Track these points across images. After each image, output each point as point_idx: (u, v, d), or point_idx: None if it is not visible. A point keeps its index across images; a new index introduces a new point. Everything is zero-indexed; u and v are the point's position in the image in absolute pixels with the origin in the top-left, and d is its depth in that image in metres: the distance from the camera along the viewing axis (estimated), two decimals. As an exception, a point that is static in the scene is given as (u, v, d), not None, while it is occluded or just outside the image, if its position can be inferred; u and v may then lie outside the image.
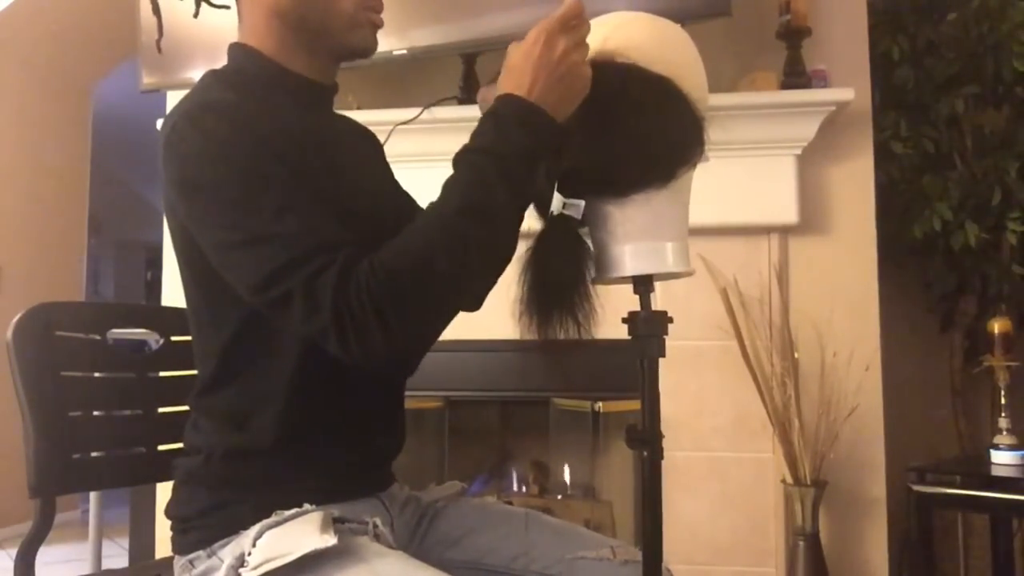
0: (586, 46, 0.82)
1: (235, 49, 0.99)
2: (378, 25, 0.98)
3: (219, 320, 0.92)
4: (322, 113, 1.03)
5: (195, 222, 0.86)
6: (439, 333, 0.83)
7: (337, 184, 0.91)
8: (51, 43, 3.92)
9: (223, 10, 1.01)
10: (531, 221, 0.87)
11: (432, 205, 0.81)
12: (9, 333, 1.13)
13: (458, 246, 0.78)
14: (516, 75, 0.82)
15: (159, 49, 1.18)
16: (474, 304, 1.03)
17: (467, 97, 2.16)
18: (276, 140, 0.85)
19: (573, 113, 0.83)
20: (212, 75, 0.95)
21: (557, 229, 0.85)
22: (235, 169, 0.82)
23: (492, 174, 0.79)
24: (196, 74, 2.33)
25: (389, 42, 2.15)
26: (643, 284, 0.85)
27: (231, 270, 0.84)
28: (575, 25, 0.81)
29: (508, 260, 0.86)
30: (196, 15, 1.04)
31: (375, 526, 0.91)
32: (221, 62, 0.99)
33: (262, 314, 0.87)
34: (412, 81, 2.19)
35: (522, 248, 0.87)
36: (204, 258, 0.87)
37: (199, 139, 0.84)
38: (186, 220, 0.87)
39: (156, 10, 1.16)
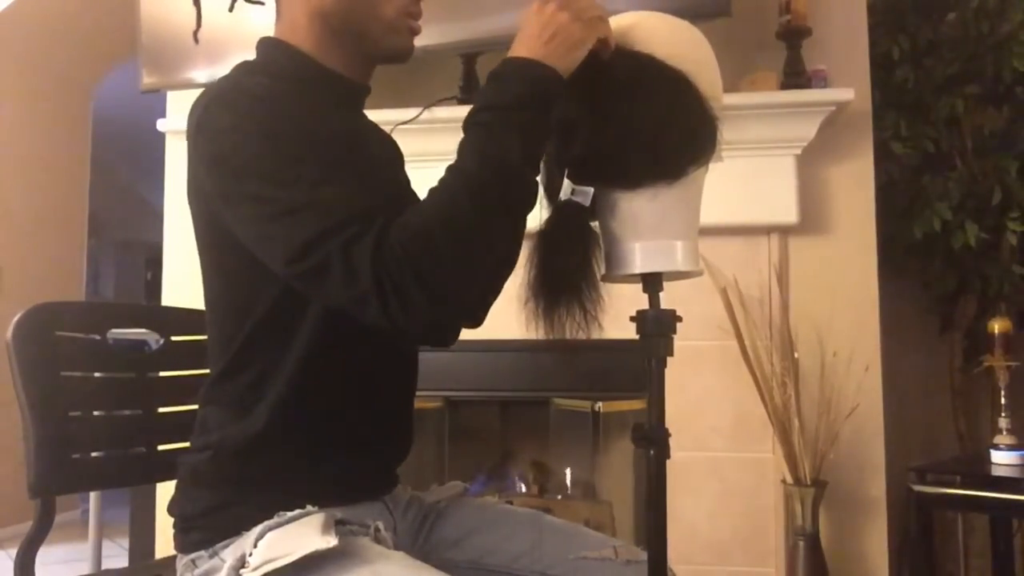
0: (573, 9, 0.83)
1: (266, 43, 1.00)
2: (416, 32, 1.00)
3: (241, 309, 0.92)
4: (353, 111, 1.04)
5: (225, 199, 0.85)
6: (477, 292, 0.83)
7: (364, 175, 0.90)
8: (51, 43, 3.91)
9: (259, 6, 1.01)
10: (539, 207, 0.88)
11: (450, 167, 0.81)
12: (9, 333, 1.13)
13: (480, 196, 0.78)
14: (515, 47, 0.85)
15: (196, 40, 1.19)
16: (480, 310, 1.04)
17: (467, 97, 2.16)
18: (308, 121, 0.86)
19: (587, 100, 0.83)
20: (243, 64, 0.96)
21: (565, 215, 0.85)
22: (270, 144, 0.82)
23: (499, 126, 0.81)
24: (196, 74, 2.33)
25: (389, 42, 2.15)
26: (653, 282, 0.85)
27: (265, 243, 0.83)
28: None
29: (527, 210, 0.86)
30: (231, 9, 1.05)
31: (377, 529, 0.91)
32: (222, 62, 1.00)
33: (282, 304, 0.88)
34: (412, 81, 2.19)
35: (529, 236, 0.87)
36: (230, 244, 0.87)
37: (233, 117, 0.85)
38: (215, 199, 0.87)
39: (197, 1, 1.16)
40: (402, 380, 1.05)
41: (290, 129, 0.84)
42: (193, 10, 1.05)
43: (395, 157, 1.12)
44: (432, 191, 0.80)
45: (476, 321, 1.06)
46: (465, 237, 0.78)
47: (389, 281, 0.75)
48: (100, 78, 4.34)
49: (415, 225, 0.77)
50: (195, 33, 1.17)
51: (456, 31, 2.11)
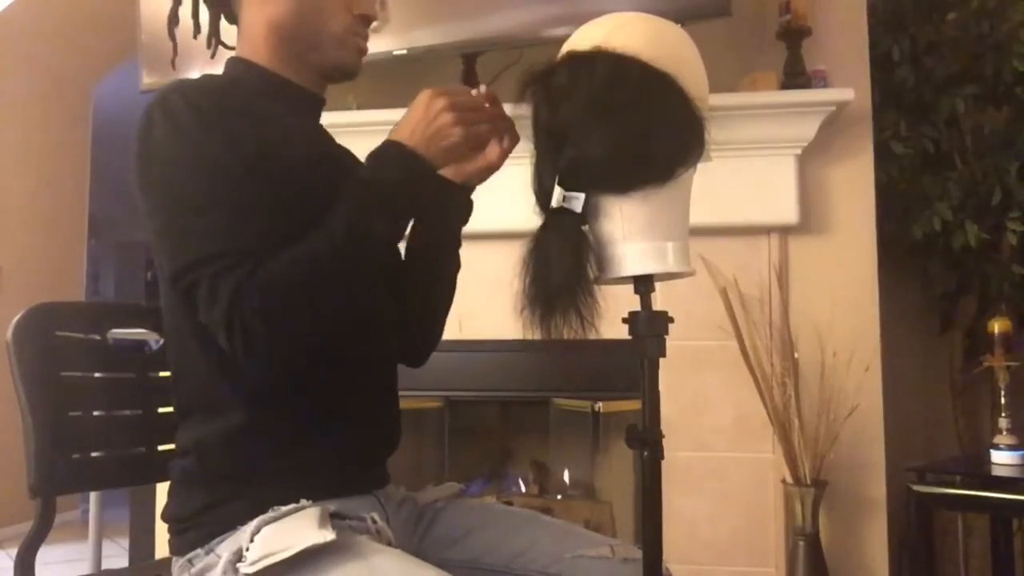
0: (459, 112, 0.93)
1: (231, 62, 1.06)
2: (363, 51, 1.06)
3: (176, 305, 0.94)
4: (308, 118, 1.07)
5: (143, 203, 0.91)
6: (324, 345, 0.90)
7: (304, 185, 0.94)
8: (51, 43, 3.92)
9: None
10: (531, 216, 0.88)
11: (323, 231, 0.87)
12: (9, 333, 1.13)
13: (341, 268, 0.87)
14: (399, 128, 0.95)
15: (173, 66, 1.26)
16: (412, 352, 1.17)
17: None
18: (241, 137, 0.90)
19: (573, 105, 0.83)
20: (205, 75, 1.01)
21: (557, 222, 0.85)
22: (186, 157, 0.88)
23: (371, 201, 0.90)
24: (196, 74, 2.33)
25: (389, 42, 2.14)
26: (644, 284, 0.85)
27: (159, 256, 0.91)
28: (471, 106, 0.94)
29: (387, 279, 0.97)
30: (212, 56, 1.11)
31: (374, 521, 0.91)
32: (221, 61, 1.03)
33: None
34: (412, 81, 2.19)
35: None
36: None
37: (164, 123, 0.90)
38: (139, 201, 0.92)
39: (172, 34, 1.21)
40: (380, 366, 1.05)
41: (211, 144, 0.88)
42: (193, 15, 1.07)
43: (342, 166, 1.10)
44: (301, 249, 0.86)
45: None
46: (319, 303, 0.86)
47: (239, 321, 0.82)
48: (100, 78, 4.34)
49: (276, 277, 0.84)
50: (172, 61, 1.24)
51: (456, 31, 2.11)
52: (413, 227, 1.13)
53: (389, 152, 0.92)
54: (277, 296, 0.83)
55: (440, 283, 1.15)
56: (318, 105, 1.09)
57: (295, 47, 1.02)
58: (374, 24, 1.07)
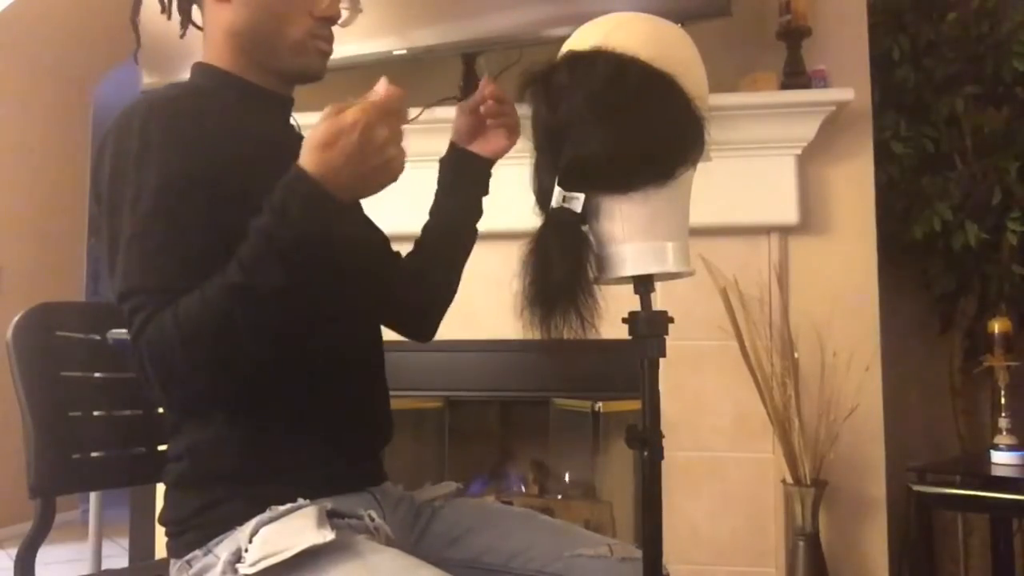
0: (402, 137, 0.83)
1: (195, 68, 1.06)
2: (326, 53, 1.04)
3: None
4: (275, 120, 1.06)
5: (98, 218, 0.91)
6: (218, 391, 0.87)
7: (261, 192, 0.86)
8: (51, 43, 3.92)
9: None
10: (531, 216, 0.88)
11: (218, 275, 0.82)
12: (9, 333, 1.13)
13: (224, 328, 0.82)
14: (325, 152, 0.80)
15: (136, 61, 1.27)
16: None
17: (467, 97, 2.16)
18: (194, 153, 0.88)
19: (573, 105, 0.83)
20: (170, 85, 1.01)
21: (556, 222, 0.85)
22: (126, 185, 0.87)
23: (270, 257, 0.81)
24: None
25: (389, 42, 2.15)
26: (644, 284, 0.85)
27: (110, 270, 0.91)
28: (395, 111, 0.82)
29: (293, 328, 0.87)
30: (183, 36, 1.10)
31: (372, 518, 0.91)
32: (196, 46, 1.04)
33: None
34: (412, 81, 2.19)
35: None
36: None
37: (115, 145, 0.89)
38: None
39: (135, 27, 1.21)
40: (365, 358, 1.05)
41: (152, 175, 0.86)
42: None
43: None
44: (197, 300, 0.82)
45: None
46: (202, 361, 0.83)
47: (143, 361, 0.84)
48: (100, 78, 4.34)
49: (166, 334, 0.82)
50: (135, 55, 1.25)
51: (456, 31, 2.11)
52: (435, 197, 1.18)
53: (299, 196, 0.81)
54: (165, 356, 0.82)
55: (449, 255, 1.19)
56: (286, 105, 1.08)
57: (254, 55, 1.01)
58: (344, 16, 1.04)
